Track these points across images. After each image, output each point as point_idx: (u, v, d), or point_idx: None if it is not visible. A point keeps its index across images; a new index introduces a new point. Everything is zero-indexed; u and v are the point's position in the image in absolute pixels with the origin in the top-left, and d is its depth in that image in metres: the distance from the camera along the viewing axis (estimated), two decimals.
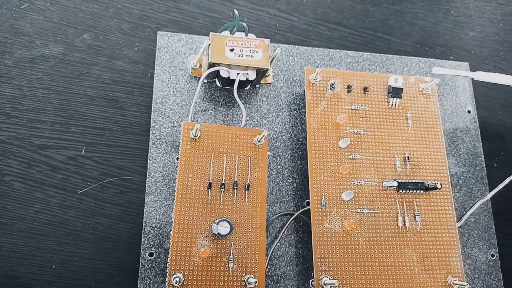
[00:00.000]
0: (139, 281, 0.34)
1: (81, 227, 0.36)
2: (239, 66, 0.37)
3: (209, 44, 0.36)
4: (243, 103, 0.39)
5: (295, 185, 0.40)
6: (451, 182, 0.40)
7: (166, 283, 0.32)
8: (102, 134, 0.39)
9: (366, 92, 0.40)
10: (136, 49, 0.42)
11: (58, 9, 0.41)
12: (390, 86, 0.40)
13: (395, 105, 0.40)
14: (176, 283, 0.31)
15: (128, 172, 0.38)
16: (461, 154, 0.44)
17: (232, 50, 0.37)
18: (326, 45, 0.46)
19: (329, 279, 0.34)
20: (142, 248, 0.35)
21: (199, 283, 0.32)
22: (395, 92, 0.40)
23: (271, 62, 0.38)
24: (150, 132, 0.38)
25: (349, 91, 0.40)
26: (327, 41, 0.47)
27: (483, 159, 0.44)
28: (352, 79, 0.40)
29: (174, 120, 0.39)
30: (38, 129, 0.38)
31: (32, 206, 0.36)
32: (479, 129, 0.45)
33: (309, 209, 0.36)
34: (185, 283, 0.32)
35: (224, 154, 0.36)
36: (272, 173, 0.39)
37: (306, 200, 0.39)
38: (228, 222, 0.33)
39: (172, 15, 0.44)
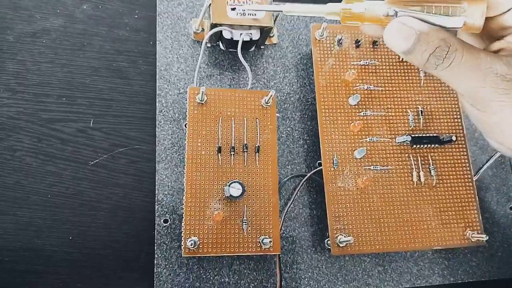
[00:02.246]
0: (155, 247, 0.35)
1: (95, 197, 0.36)
2: (242, 25, 0.36)
3: (210, 4, 0.35)
4: (248, 65, 0.38)
5: (306, 146, 0.39)
6: (466, 135, 0.39)
7: (182, 247, 0.32)
8: (109, 105, 0.38)
9: (375, 47, 0.39)
10: (136, 16, 0.41)
11: None
12: None
13: None
14: (191, 246, 0.31)
15: (137, 142, 0.38)
16: None
17: (233, 9, 0.36)
18: (332, 0, 0.45)
19: (344, 237, 0.34)
20: (156, 215, 0.35)
21: (214, 245, 0.32)
22: None
23: (274, 21, 0.37)
24: (157, 100, 0.38)
25: (357, 46, 0.39)
26: None
27: None
28: (360, 34, 0.39)
29: (179, 86, 0.38)
30: (45, 103, 0.38)
31: (45, 180, 0.36)
32: None
33: (321, 170, 0.36)
34: (200, 246, 0.32)
35: (232, 118, 0.35)
36: (282, 135, 0.39)
37: (318, 161, 0.38)
38: (240, 184, 0.33)
39: None
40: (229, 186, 0.32)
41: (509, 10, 0.21)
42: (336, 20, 0.34)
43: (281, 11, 0.27)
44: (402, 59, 0.39)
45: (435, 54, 0.21)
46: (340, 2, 0.24)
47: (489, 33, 0.23)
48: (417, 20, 0.21)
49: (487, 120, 0.23)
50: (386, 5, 0.23)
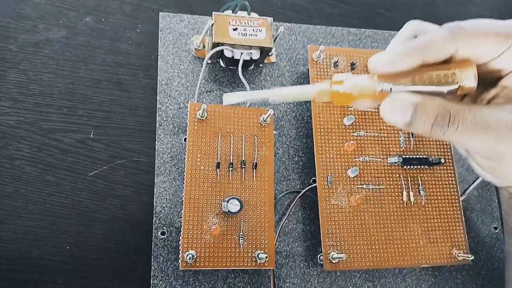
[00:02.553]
0: (152, 259, 0.35)
1: (94, 208, 0.37)
2: (243, 45, 0.37)
3: (212, 24, 0.36)
4: (247, 82, 0.39)
5: (301, 163, 0.40)
6: (454, 157, 0.40)
7: (180, 260, 0.33)
8: (109, 117, 0.39)
9: None
10: (138, 31, 0.42)
11: None
12: None
13: None
14: (189, 259, 0.32)
15: (137, 154, 0.38)
16: None
17: (235, 29, 0.37)
18: (328, 23, 0.46)
19: (337, 253, 0.35)
20: (154, 227, 0.36)
21: (211, 259, 0.33)
22: None
23: (274, 41, 0.38)
24: (157, 114, 0.39)
25: (353, 69, 0.40)
26: (329, 18, 0.47)
27: None
28: (355, 57, 0.40)
29: (179, 101, 0.39)
30: (46, 113, 0.38)
31: (44, 189, 0.36)
32: None
33: (316, 186, 0.37)
34: (197, 260, 0.33)
35: (231, 134, 0.36)
36: (278, 152, 0.40)
37: (312, 178, 0.40)
38: (238, 200, 0.33)
39: None
40: (227, 202, 0.33)
41: (498, 56, 0.21)
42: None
43: (268, 100, 0.25)
44: None
45: (437, 122, 0.20)
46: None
47: (481, 79, 0.22)
48: (410, 93, 0.21)
49: (502, 169, 0.23)
50: (375, 81, 0.22)
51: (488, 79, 0.23)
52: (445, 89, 0.21)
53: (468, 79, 0.21)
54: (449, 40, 0.21)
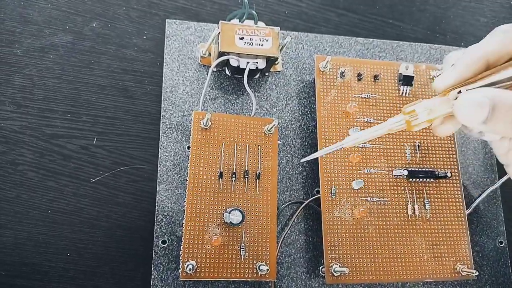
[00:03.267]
0: (152, 268, 0.35)
1: (95, 215, 0.36)
2: (249, 54, 0.37)
3: (219, 33, 0.36)
4: (252, 91, 0.39)
5: (304, 173, 0.40)
6: (460, 170, 0.40)
7: (180, 270, 0.32)
8: (113, 123, 0.39)
9: (377, 80, 0.40)
10: (144, 37, 0.42)
11: None
12: (401, 74, 0.40)
13: (406, 93, 0.40)
14: (189, 270, 0.32)
15: (140, 161, 0.38)
16: (471, 141, 0.44)
17: (241, 38, 0.37)
18: (335, 32, 0.46)
19: (339, 267, 0.34)
20: (155, 235, 0.36)
21: (212, 270, 0.33)
22: (406, 80, 0.40)
23: (280, 50, 0.38)
24: (161, 121, 0.38)
25: (359, 79, 0.40)
26: (336, 27, 0.46)
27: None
28: (362, 67, 0.40)
29: (184, 109, 0.39)
30: (50, 118, 0.38)
31: (46, 195, 0.36)
32: None
33: (319, 197, 0.36)
34: (198, 270, 0.33)
35: (235, 143, 0.36)
36: (282, 161, 0.40)
37: (316, 189, 0.39)
38: (240, 211, 0.33)
39: (180, 3, 0.43)
40: (229, 213, 0.33)
41: None
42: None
43: (343, 147, 0.29)
44: (402, 93, 0.40)
45: None
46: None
47: None
48: (484, 88, 0.20)
49: None
50: (446, 98, 0.23)
51: None
52: None
53: None
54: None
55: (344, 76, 0.39)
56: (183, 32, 0.41)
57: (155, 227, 0.36)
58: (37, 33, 0.40)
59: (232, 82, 0.41)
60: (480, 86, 0.21)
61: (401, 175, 0.38)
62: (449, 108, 0.23)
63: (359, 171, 0.37)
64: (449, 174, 0.38)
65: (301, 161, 0.38)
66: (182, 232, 0.33)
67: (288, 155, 0.40)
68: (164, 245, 0.36)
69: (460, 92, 0.22)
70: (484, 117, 0.20)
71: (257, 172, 0.36)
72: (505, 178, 0.41)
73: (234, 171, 0.35)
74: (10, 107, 0.37)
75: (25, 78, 0.38)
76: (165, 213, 0.36)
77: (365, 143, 0.38)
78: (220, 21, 0.37)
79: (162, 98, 0.39)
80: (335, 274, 0.34)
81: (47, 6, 0.41)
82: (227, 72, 0.40)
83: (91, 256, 0.36)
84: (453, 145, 0.40)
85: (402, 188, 0.38)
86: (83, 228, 0.36)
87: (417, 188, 0.38)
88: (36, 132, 0.37)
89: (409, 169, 0.38)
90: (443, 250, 0.37)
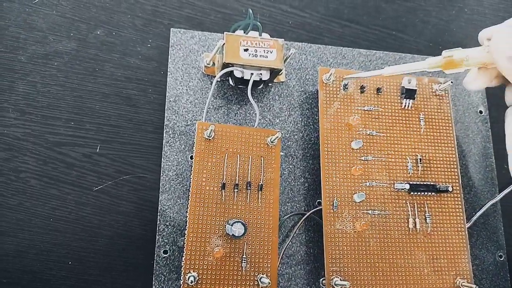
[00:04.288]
0: (153, 278, 0.35)
1: (97, 223, 0.37)
2: (253, 66, 0.37)
3: (223, 44, 0.36)
4: (255, 101, 0.39)
5: (306, 185, 0.40)
6: (461, 183, 0.40)
7: (181, 282, 0.32)
8: (116, 131, 0.39)
9: (379, 93, 0.40)
10: (149, 45, 0.42)
11: (70, 3, 0.41)
12: (404, 87, 0.40)
13: (408, 106, 0.40)
14: (191, 282, 0.32)
15: (142, 170, 0.38)
16: (472, 155, 0.44)
17: (246, 50, 0.37)
18: (339, 43, 0.46)
19: (340, 280, 0.34)
20: (156, 245, 0.36)
21: (213, 282, 0.33)
22: (409, 93, 0.40)
23: (284, 62, 0.38)
24: (164, 131, 0.39)
25: (362, 92, 0.40)
26: (340, 38, 0.47)
27: (494, 160, 0.45)
28: (365, 80, 0.40)
29: (187, 118, 0.39)
30: (53, 126, 0.38)
31: (48, 203, 0.36)
32: (490, 130, 0.45)
33: (321, 209, 0.37)
34: (199, 282, 0.33)
35: (238, 155, 0.36)
36: (284, 172, 0.40)
37: (318, 200, 0.39)
38: (243, 224, 0.33)
39: (184, 11, 0.43)
40: (231, 225, 0.33)
41: None
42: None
43: (382, 74, 0.35)
44: (405, 106, 0.40)
45: None
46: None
47: None
48: None
49: None
50: (483, 49, 0.31)
51: None
52: None
53: None
54: None
55: (347, 88, 0.40)
56: (188, 41, 0.41)
57: (157, 237, 0.36)
58: (41, 40, 0.40)
59: (236, 92, 0.41)
60: None
61: (402, 189, 0.38)
62: (484, 52, 0.30)
63: (361, 184, 0.37)
64: (450, 189, 0.38)
65: (345, 77, 0.40)
66: (184, 243, 0.33)
67: (290, 166, 0.40)
68: (165, 255, 0.36)
69: None
70: None
71: (260, 183, 0.36)
72: (505, 191, 0.41)
73: (237, 183, 0.35)
74: (13, 114, 0.38)
75: (28, 85, 0.39)
76: (167, 223, 0.37)
77: (367, 155, 0.38)
78: (225, 32, 0.37)
79: (166, 107, 0.39)
80: (336, 287, 0.34)
81: (51, 13, 0.41)
82: (230, 82, 0.40)
83: (92, 265, 0.36)
84: (454, 158, 0.40)
85: (404, 201, 0.38)
86: (85, 236, 0.36)
87: (418, 201, 0.38)
88: (39, 140, 0.38)
89: (411, 182, 0.38)
90: (443, 264, 0.37)
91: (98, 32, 0.41)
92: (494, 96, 0.47)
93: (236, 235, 0.33)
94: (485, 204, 0.42)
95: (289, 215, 0.38)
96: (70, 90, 0.39)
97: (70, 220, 0.36)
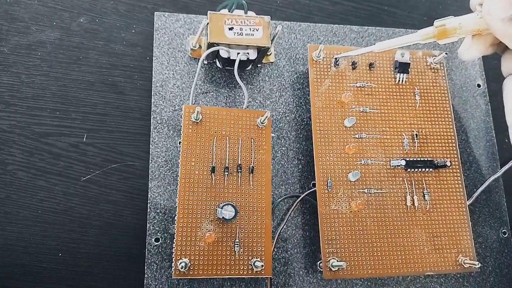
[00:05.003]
0: (145, 267, 0.34)
1: (86, 214, 0.36)
2: (239, 45, 0.36)
3: (208, 23, 0.35)
4: (244, 84, 0.38)
5: (300, 166, 0.39)
6: (461, 159, 0.39)
7: (173, 268, 0.31)
8: (103, 120, 0.38)
9: (372, 69, 0.39)
10: (133, 31, 0.41)
11: None
12: (397, 61, 0.39)
13: (402, 81, 0.39)
14: (182, 268, 0.31)
15: (131, 158, 0.37)
16: (471, 129, 0.43)
17: (231, 29, 0.36)
18: (330, 21, 0.45)
19: (337, 261, 0.33)
20: (147, 233, 0.35)
21: (206, 268, 0.32)
22: (402, 67, 0.39)
23: (272, 40, 0.37)
24: (151, 117, 0.38)
25: (354, 68, 0.39)
26: (330, 16, 0.45)
27: (494, 135, 0.43)
28: (356, 56, 0.39)
29: (175, 103, 0.38)
30: (38, 116, 0.37)
31: (36, 195, 0.36)
32: (489, 103, 0.44)
33: (315, 190, 0.36)
34: (191, 268, 0.32)
35: (227, 137, 0.35)
36: (277, 155, 0.39)
37: (312, 182, 0.38)
38: (233, 206, 0.32)
39: None
40: (221, 208, 0.32)
41: None
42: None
43: (373, 51, 0.34)
44: (398, 81, 0.39)
45: None
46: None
47: None
48: None
49: None
50: (475, 15, 0.29)
51: None
52: None
53: None
54: None
55: (338, 65, 0.38)
56: (172, 25, 0.40)
57: (148, 225, 0.35)
58: (24, 30, 0.39)
59: (224, 75, 0.40)
60: None
61: (399, 166, 0.36)
62: (477, 18, 0.29)
63: (355, 163, 0.36)
64: (448, 163, 0.37)
65: (335, 56, 0.38)
66: (175, 229, 0.32)
67: (283, 148, 0.39)
68: (157, 243, 0.35)
69: None
70: (506, 15, 0.25)
71: (251, 166, 0.35)
72: (507, 166, 0.40)
73: (227, 166, 0.34)
74: None
75: (12, 76, 0.38)
76: (158, 211, 0.36)
77: (361, 133, 0.37)
78: (209, 12, 0.36)
79: (152, 93, 0.38)
80: (333, 269, 0.33)
81: (33, 3, 0.40)
82: (218, 64, 0.39)
83: (83, 256, 0.35)
84: (452, 133, 0.38)
85: (401, 179, 0.37)
86: (75, 227, 0.35)
87: (415, 178, 0.37)
88: (25, 131, 0.37)
89: (407, 159, 0.37)
90: (444, 242, 0.36)
91: (81, 20, 0.40)
92: (492, 69, 0.45)
93: (227, 218, 0.32)
94: (486, 180, 0.40)
95: (282, 197, 0.37)
96: (55, 79, 0.38)
97: (58, 211, 0.36)
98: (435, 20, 0.31)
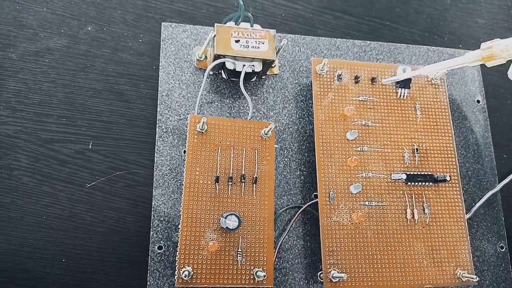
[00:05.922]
0: (148, 274, 0.34)
1: (90, 220, 0.36)
2: (244, 57, 0.36)
3: (214, 36, 0.36)
4: (249, 94, 0.39)
5: (302, 177, 0.39)
6: (460, 174, 0.39)
7: (176, 277, 0.32)
8: (108, 127, 0.38)
9: (374, 83, 0.40)
10: (140, 40, 0.41)
11: (61, 0, 0.41)
12: None
13: (404, 95, 0.40)
14: (185, 276, 0.31)
15: (135, 166, 0.38)
16: (470, 145, 0.44)
17: (237, 41, 0.36)
18: (332, 34, 0.46)
19: (338, 272, 0.34)
20: (151, 241, 0.35)
21: (208, 276, 0.32)
22: (404, 82, 0.40)
23: (277, 53, 0.37)
24: (157, 125, 0.38)
25: (356, 82, 0.39)
26: (333, 30, 0.46)
27: (492, 150, 0.44)
28: (359, 70, 0.40)
29: (180, 112, 0.39)
30: (45, 123, 0.38)
31: (41, 200, 0.36)
32: (488, 119, 0.45)
33: (317, 201, 0.36)
34: (194, 276, 0.32)
35: (231, 147, 0.36)
36: (280, 165, 0.39)
37: (314, 193, 0.39)
38: (236, 216, 0.33)
39: (176, 6, 0.43)
40: (225, 218, 0.33)
41: None
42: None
43: (421, 74, 0.35)
44: (400, 96, 0.40)
45: None
46: None
47: None
48: None
49: None
50: None
51: None
52: None
53: None
54: None
55: (341, 78, 0.39)
56: (179, 35, 0.41)
57: (151, 233, 0.36)
58: (32, 37, 0.40)
59: (229, 86, 0.40)
60: None
61: (399, 179, 0.37)
62: None
63: (357, 175, 0.37)
64: (448, 178, 0.38)
65: (383, 82, 0.39)
66: (178, 238, 0.33)
67: (286, 159, 0.40)
68: (160, 251, 0.35)
69: None
70: None
71: (254, 176, 0.35)
72: (505, 181, 0.41)
73: (231, 176, 0.35)
74: (4, 112, 0.37)
75: (20, 82, 0.38)
76: (161, 218, 0.36)
77: (363, 146, 0.37)
78: (216, 24, 0.36)
79: (158, 102, 0.39)
80: (334, 280, 0.34)
81: (42, 10, 0.40)
82: (223, 75, 0.40)
83: (86, 262, 0.35)
84: (452, 148, 0.39)
85: (401, 192, 0.37)
86: (78, 233, 0.36)
87: (416, 192, 0.37)
88: (31, 137, 0.37)
89: (408, 172, 0.37)
90: (443, 255, 0.36)
91: (89, 28, 0.41)
92: (491, 85, 0.46)
93: (230, 227, 0.32)
94: (485, 194, 0.41)
95: (285, 208, 0.38)
96: (62, 86, 0.39)
97: (63, 217, 0.36)
98: (482, 43, 0.32)
